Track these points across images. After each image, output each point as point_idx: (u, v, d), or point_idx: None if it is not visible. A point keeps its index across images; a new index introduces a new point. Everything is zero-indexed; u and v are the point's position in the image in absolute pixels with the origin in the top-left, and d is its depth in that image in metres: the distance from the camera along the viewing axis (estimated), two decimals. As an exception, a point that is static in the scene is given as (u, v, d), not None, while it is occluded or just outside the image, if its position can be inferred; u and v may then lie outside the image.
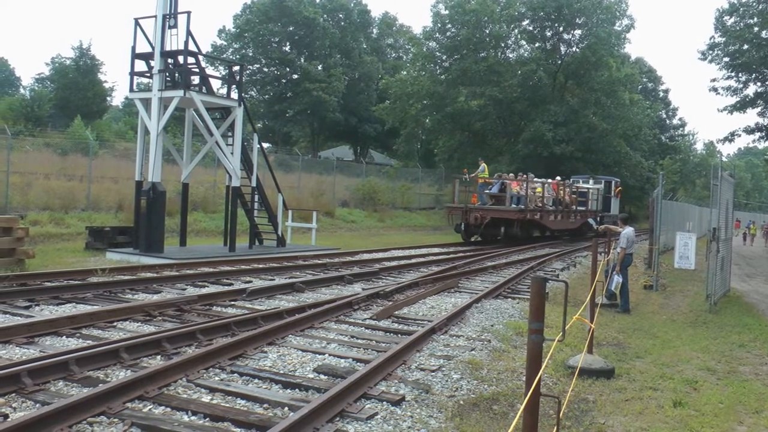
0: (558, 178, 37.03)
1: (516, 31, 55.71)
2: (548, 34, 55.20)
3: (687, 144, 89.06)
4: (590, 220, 40.13)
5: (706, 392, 8.81)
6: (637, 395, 8.47)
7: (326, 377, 8.10)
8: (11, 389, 6.92)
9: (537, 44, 56.29)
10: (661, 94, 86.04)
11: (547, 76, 52.91)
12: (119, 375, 7.71)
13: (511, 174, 34.69)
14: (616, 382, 9.00)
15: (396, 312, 12.45)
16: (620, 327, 13.22)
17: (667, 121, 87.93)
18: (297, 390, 7.58)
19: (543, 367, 4.49)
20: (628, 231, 15.24)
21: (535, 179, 34.11)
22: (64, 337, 9.51)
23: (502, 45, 55.82)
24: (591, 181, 42.43)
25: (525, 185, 30.93)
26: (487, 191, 32.09)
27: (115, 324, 10.43)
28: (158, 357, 8.60)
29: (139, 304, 11.60)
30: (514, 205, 30.35)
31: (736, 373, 9.95)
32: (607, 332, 12.37)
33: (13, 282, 13.55)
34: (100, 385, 7.02)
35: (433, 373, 8.55)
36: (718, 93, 39.48)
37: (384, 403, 7.26)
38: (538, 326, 4.43)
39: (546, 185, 34.12)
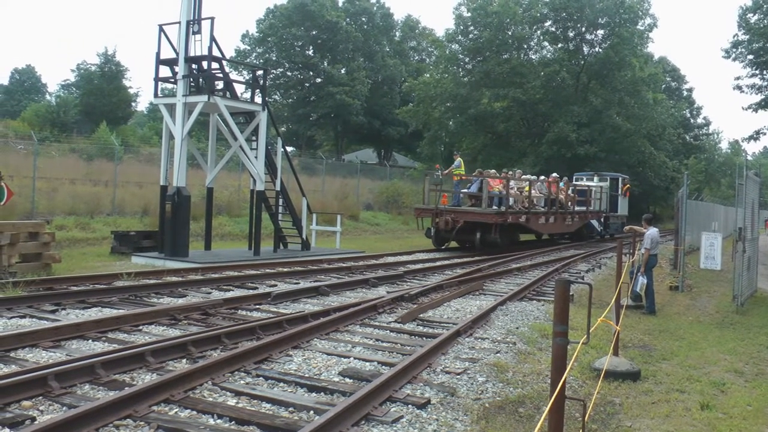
0: (554, 175, 33.58)
1: (538, 32, 55.57)
2: (571, 34, 54.94)
3: (712, 143, 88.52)
4: (593, 222, 37.00)
5: (733, 395, 8.72)
6: (664, 398, 8.40)
7: (351, 380, 8.08)
8: (38, 392, 6.96)
9: (559, 45, 56.12)
10: (685, 93, 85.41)
11: (570, 77, 52.72)
12: (145, 378, 7.75)
13: (493, 171, 30.60)
14: (642, 385, 8.93)
15: (421, 315, 12.42)
16: (646, 329, 13.12)
17: (692, 120, 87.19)
18: (322, 393, 7.57)
19: (568, 369, 4.46)
20: (652, 232, 15.11)
21: (524, 176, 30.91)
22: (90, 340, 9.57)
23: (525, 46, 55.75)
24: (595, 179, 39.57)
25: (507, 183, 26.91)
26: (466, 190, 28.96)
27: (140, 327, 10.48)
28: (184, 360, 8.63)
29: (165, 307, 11.65)
30: (495, 207, 26.38)
31: (765, 375, 9.84)
32: (632, 334, 12.29)
33: (39, 286, 13.69)
34: (126, 388, 7.04)
35: (458, 376, 8.51)
36: (743, 91, 39.33)
37: (409, 406, 7.24)
38: (563, 329, 4.40)
39: (537, 183, 31.02)
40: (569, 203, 32.44)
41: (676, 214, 25.81)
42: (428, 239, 27.95)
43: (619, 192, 40.19)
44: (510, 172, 30.78)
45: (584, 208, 34.65)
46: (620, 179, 40.87)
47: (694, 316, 15.13)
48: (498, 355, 9.76)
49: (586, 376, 9.08)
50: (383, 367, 8.71)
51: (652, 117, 53.95)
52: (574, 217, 32.87)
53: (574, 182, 36.99)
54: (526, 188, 29.00)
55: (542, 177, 32.52)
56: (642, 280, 14.75)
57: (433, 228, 26.88)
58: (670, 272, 22.74)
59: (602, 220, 37.87)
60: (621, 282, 10.13)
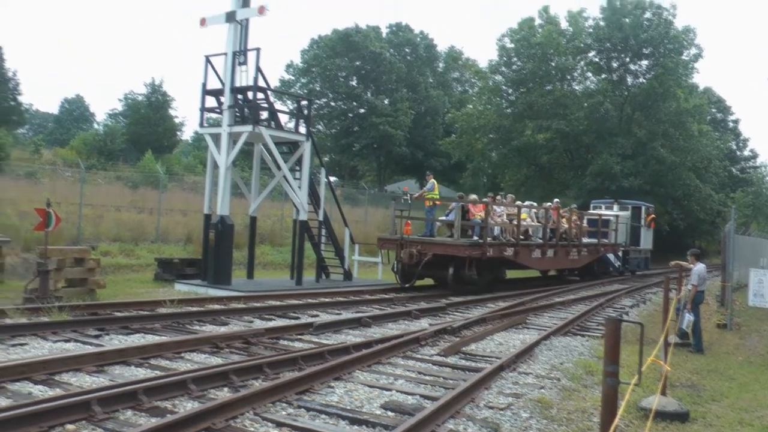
0: (556, 200, 30.54)
1: (582, 62, 55.33)
2: (615, 65, 54.69)
3: (759, 176, 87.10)
4: (609, 256, 33.22)
5: (787, 439, 8.46)
6: (715, 440, 8.17)
7: (394, 414, 7.99)
8: (81, 417, 7.00)
9: (603, 75, 55.75)
10: (731, 124, 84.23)
11: (613, 108, 52.34)
12: (187, 406, 7.73)
13: (473, 196, 25.95)
14: (691, 427, 8.70)
15: (464, 348, 12.30)
16: (694, 368, 12.81)
17: (738, 153, 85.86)
18: (364, 426, 7.50)
19: (620, 412, 4.35)
20: (699, 267, 14.80)
21: (518, 203, 26.19)
22: (132, 366, 9.61)
23: (568, 77, 55.53)
24: (615, 207, 36.17)
25: (487, 208, 22.42)
26: (444, 218, 24.55)
27: (182, 355, 10.50)
28: (225, 389, 8.61)
29: (207, 335, 11.67)
30: (476, 237, 22.28)
31: (820, 419, 9.53)
32: (680, 373, 11.99)
33: (84, 311, 13.85)
34: (168, 415, 7.05)
35: (501, 412, 8.38)
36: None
37: (452, 441, 7.13)
38: (614, 369, 4.30)
39: (534, 211, 26.82)
40: (576, 234, 28.72)
41: (722, 249, 25.24)
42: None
43: (642, 222, 36.85)
44: (498, 197, 27.48)
45: (596, 241, 30.80)
46: (643, 208, 37.47)
47: (743, 355, 14.76)
48: (542, 391, 9.60)
49: (633, 415, 8.86)
50: (426, 400, 8.61)
51: (698, 149, 53.15)
52: (581, 251, 28.89)
53: (590, 210, 35.33)
54: (523, 216, 25.03)
55: (548, 204, 28.60)
56: (689, 317, 14.40)
57: (396, 261, 22.84)
58: (717, 309, 22.27)
59: (619, 253, 34.16)
60: (669, 319, 9.92)
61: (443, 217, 24.72)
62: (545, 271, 30.76)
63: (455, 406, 8.24)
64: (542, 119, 51.55)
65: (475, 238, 22.20)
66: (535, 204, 28.22)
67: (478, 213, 22.85)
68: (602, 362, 4.65)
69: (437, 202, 25.21)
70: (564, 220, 27.68)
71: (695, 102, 53.56)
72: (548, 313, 18.69)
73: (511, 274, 27.16)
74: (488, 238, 22.07)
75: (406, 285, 22.64)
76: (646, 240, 37.41)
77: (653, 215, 38.67)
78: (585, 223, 30.79)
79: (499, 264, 23.71)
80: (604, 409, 4.35)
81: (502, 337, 14.04)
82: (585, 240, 29.88)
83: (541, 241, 25.80)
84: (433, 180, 24.62)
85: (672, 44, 51.38)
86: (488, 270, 22.85)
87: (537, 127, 52.04)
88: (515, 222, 24.05)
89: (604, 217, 32.71)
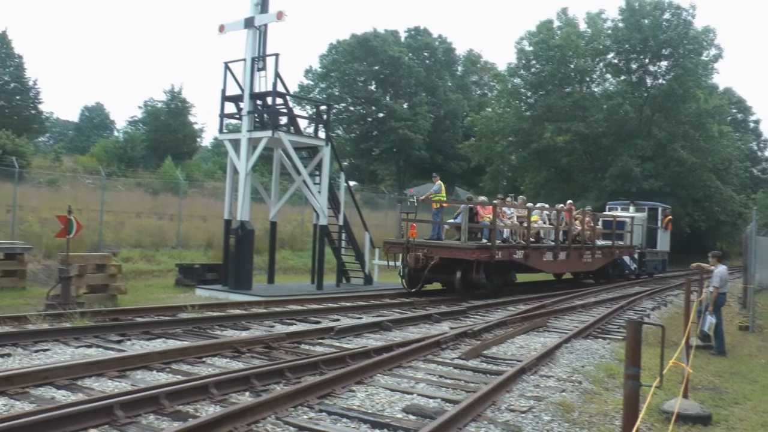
0: (569, 202, 29.43)
1: (601, 64, 55.18)
2: (634, 66, 54.46)
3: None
4: (625, 259, 32.50)
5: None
6: (737, 444, 8.10)
7: (415, 417, 7.97)
8: (104, 421, 7.03)
9: (622, 77, 55.61)
10: (752, 125, 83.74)
11: (633, 110, 52.17)
12: (208, 410, 7.75)
13: (483, 197, 25.80)
14: (713, 430, 8.63)
15: (484, 351, 12.26)
16: (716, 370, 12.70)
17: (759, 153, 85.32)
18: (385, 430, 7.48)
19: (641, 415, 4.32)
20: (721, 269, 14.66)
21: (529, 205, 25.37)
22: (154, 371, 9.64)
23: (587, 79, 55.39)
24: (631, 208, 35.47)
25: (494, 210, 21.89)
26: (452, 221, 23.56)
27: (204, 359, 10.53)
28: (247, 393, 8.62)
29: (228, 340, 11.71)
30: (485, 240, 21.84)
31: None
32: (702, 375, 11.90)
33: (106, 317, 13.93)
34: (190, 419, 7.06)
35: (523, 415, 8.34)
36: (812, 123, 38.22)
37: (474, 444, 7.11)
38: (635, 372, 4.28)
39: (546, 213, 26.11)
40: (590, 236, 28.00)
41: (744, 251, 25.05)
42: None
43: (659, 224, 36.21)
44: (508, 198, 27.14)
45: (610, 243, 30.03)
46: (660, 209, 36.83)
47: (766, 358, 14.61)
48: (563, 394, 9.56)
49: (655, 418, 8.80)
50: (447, 404, 8.59)
51: (718, 150, 52.80)
52: (595, 254, 28.06)
53: (606, 212, 34.72)
54: (534, 218, 24.50)
55: (560, 205, 27.94)
56: (711, 320, 14.29)
57: (403, 266, 22.25)
58: (739, 311, 22.11)
59: (636, 256, 33.41)
60: (690, 322, 9.85)
61: (451, 220, 23.73)
62: (559, 275, 30.35)
63: (477, 409, 8.21)
64: (561, 122, 51.35)
65: (484, 240, 21.74)
66: (547, 206, 27.68)
67: (487, 215, 22.25)
68: (623, 365, 4.62)
69: (444, 205, 24.34)
70: (577, 222, 27.07)
71: (715, 103, 53.21)
72: (569, 315, 18.61)
73: (524, 278, 26.88)
74: (497, 241, 21.46)
75: (413, 290, 21.86)
76: (663, 242, 36.77)
77: (670, 216, 37.92)
78: (600, 225, 30.21)
79: (508, 267, 23.00)
80: (626, 412, 4.32)
81: (522, 340, 14.00)
82: (599, 242, 29.15)
83: (552, 243, 24.94)
84: (439, 182, 23.95)
85: (691, 45, 51.04)
86: (497, 274, 22.25)
87: (556, 129, 51.85)
88: (526, 224, 23.38)
89: (619, 219, 32.21)
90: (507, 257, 21.75)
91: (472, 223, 21.88)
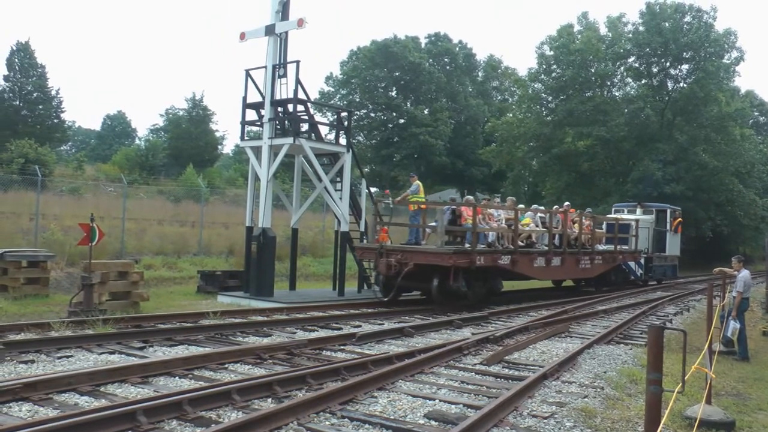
0: (567, 204, 27.86)
1: (622, 68, 54.86)
2: (654, 70, 54.09)
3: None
4: (631, 264, 30.93)
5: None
6: (762, 450, 8.00)
7: (437, 423, 7.95)
8: (127, 427, 7.07)
9: (643, 81, 55.31)
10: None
11: (654, 114, 51.81)
12: (231, 416, 7.77)
13: (469, 197, 23.18)
14: (737, 436, 8.55)
15: (506, 357, 12.21)
16: (739, 376, 12.57)
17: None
18: (408, 436, 7.46)
19: (663, 420, 4.28)
20: (744, 274, 14.51)
21: (521, 206, 24.16)
22: (177, 377, 9.69)
23: (608, 83, 55.17)
24: (638, 210, 33.68)
25: (475, 211, 19.83)
26: (434, 224, 21.15)
27: (226, 366, 10.55)
28: (269, 400, 8.63)
29: (250, 347, 11.72)
30: (468, 244, 19.75)
31: None
32: (725, 381, 11.78)
33: (128, 323, 14.01)
34: (213, 425, 7.09)
35: (545, 420, 8.30)
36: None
37: (497, 450, 7.07)
38: (657, 377, 4.25)
39: (539, 215, 24.47)
40: (588, 240, 26.16)
41: (767, 255, 24.81)
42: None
43: (668, 227, 34.23)
44: (496, 199, 25.37)
45: (612, 247, 28.12)
46: (669, 211, 34.76)
47: (791, 363, 14.47)
48: (586, 399, 9.50)
49: (677, 424, 8.72)
50: (469, 409, 8.56)
51: (740, 153, 52.21)
52: (594, 259, 26.09)
53: (611, 214, 33.36)
54: (526, 221, 23.22)
55: (556, 207, 26.65)
56: (734, 325, 14.10)
57: (374, 272, 20.91)
58: (762, 316, 21.89)
59: (641, 261, 31.59)
60: (713, 327, 9.76)
61: (433, 223, 21.47)
62: (558, 282, 29.12)
63: (499, 414, 8.18)
64: (582, 126, 51.15)
65: (468, 245, 19.74)
66: (541, 207, 26.36)
67: (471, 217, 19.95)
68: (646, 370, 4.59)
69: (423, 206, 22.02)
70: (575, 225, 25.35)
71: (737, 106, 52.73)
72: (591, 321, 18.52)
73: (524, 285, 26.47)
74: (481, 245, 19.96)
75: (385, 299, 19.94)
76: (673, 246, 34.81)
77: (680, 219, 35.83)
78: (603, 229, 28.89)
79: (493, 274, 20.96)
80: (648, 418, 4.30)
81: (544, 345, 13.93)
82: (600, 247, 27.48)
83: (546, 248, 23.05)
84: (417, 182, 22.20)
85: (713, 47, 50.58)
86: (480, 281, 20.27)
87: (577, 134, 51.68)
88: (520, 227, 21.87)
89: (622, 222, 30.15)
90: (490, 263, 19.83)
91: (453, 226, 20.62)
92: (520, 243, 21.69)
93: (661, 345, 4.28)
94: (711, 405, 9.06)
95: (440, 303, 19.42)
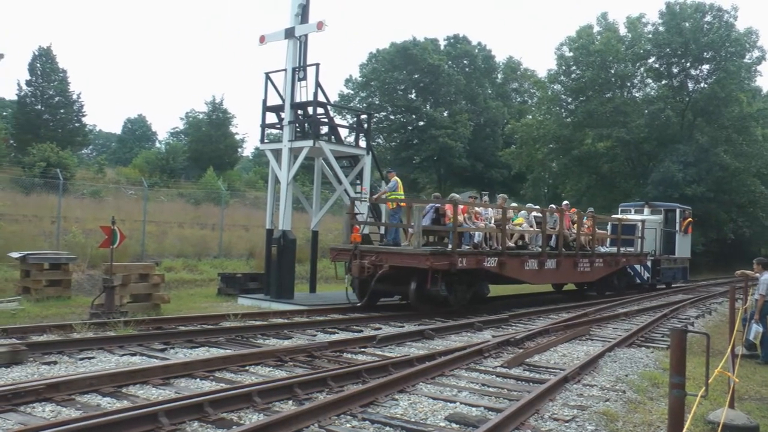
0: (566, 203, 26.96)
1: (642, 69, 54.55)
2: (675, 70, 53.73)
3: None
4: (636, 267, 29.32)
5: None
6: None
7: (458, 426, 7.92)
8: (149, 428, 7.09)
9: (663, 81, 54.95)
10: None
11: (674, 115, 51.40)
12: (252, 418, 7.77)
13: (456, 195, 20.92)
14: (760, 441, 8.46)
15: (527, 360, 12.16)
16: (762, 380, 12.44)
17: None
18: (428, 438, 7.44)
19: (687, 425, 4.25)
20: (766, 276, 14.40)
21: (514, 205, 23.15)
22: (198, 379, 9.71)
23: (628, 84, 54.87)
24: (646, 210, 32.35)
25: (455, 209, 18.15)
26: (425, 224, 18.95)
27: (247, 368, 10.58)
28: (290, 402, 8.63)
29: (271, 349, 11.75)
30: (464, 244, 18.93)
31: None
32: (747, 385, 11.66)
33: (149, 325, 14.08)
34: (234, 427, 7.11)
35: (566, 424, 8.24)
36: None
37: (518, 452, 7.03)
38: (680, 380, 4.21)
39: (533, 215, 22.94)
40: (588, 242, 24.92)
41: (791, 257, 24.47)
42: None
43: (678, 228, 32.67)
44: (485, 198, 23.49)
45: (614, 250, 26.68)
46: (678, 211, 33.17)
47: (814, 366, 14.31)
48: (607, 403, 9.43)
49: (700, 429, 8.64)
50: (490, 412, 8.52)
51: (762, 154, 51.67)
52: (594, 262, 24.51)
53: (618, 214, 32.04)
54: (519, 220, 22.19)
55: (552, 206, 25.72)
56: (756, 328, 13.94)
57: (348, 274, 19.21)
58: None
59: (648, 264, 29.96)
60: (736, 330, 9.68)
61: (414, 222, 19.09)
62: (559, 286, 27.91)
63: (520, 417, 8.14)
64: (602, 128, 50.95)
65: (437, 246, 18.63)
66: (536, 207, 24.92)
67: (459, 215, 18.61)
68: (668, 374, 4.56)
69: (402, 204, 20.25)
70: (574, 225, 24.09)
71: (759, 106, 52.37)
72: (612, 324, 18.41)
73: (524, 289, 26.05)
74: (466, 246, 19.17)
75: (359, 304, 19.09)
76: (683, 247, 33.25)
77: (690, 219, 34.19)
78: (608, 230, 27.99)
79: (479, 278, 19.79)
80: (671, 422, 4.26)
81: (565, 348, 13.87)
82: (602, 249, 26.20)
83: (539, 249, 21.72)
84: (396, 178, 20.52)
85: (733, 47, 50.22)
86: (463, 285, 19.08)
87: (597, 135, 51.47)
88: (508, 227, 20.51)
89: (626, 223, 28.99)
90: (475, 265, 18.45)
91: (437, 226, 19.41)
92: (511, 244, 20.66)
93: (684, 348, 4.24)
94: (734, 409, 8.99)
95: (417, 309, 18.36)
